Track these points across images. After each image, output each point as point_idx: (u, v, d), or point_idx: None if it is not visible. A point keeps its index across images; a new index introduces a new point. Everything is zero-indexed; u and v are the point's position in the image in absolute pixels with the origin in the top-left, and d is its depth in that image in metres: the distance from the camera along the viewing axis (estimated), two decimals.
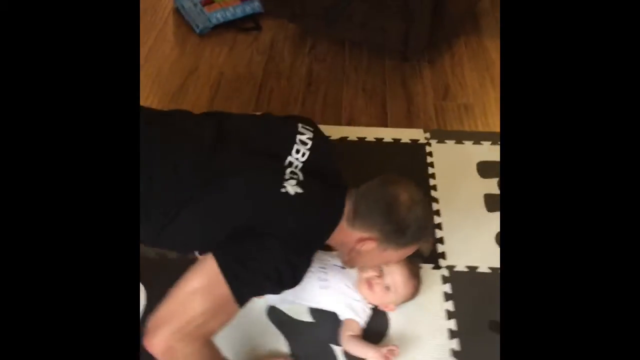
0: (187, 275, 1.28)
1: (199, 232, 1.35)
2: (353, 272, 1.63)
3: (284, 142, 1.46)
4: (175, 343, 1.23)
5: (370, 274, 1.59)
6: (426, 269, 1.78)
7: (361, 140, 2.26)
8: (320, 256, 1.67)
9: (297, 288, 1.59)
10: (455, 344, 1.59)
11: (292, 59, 2.72)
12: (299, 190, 1.36)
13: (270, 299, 1.66)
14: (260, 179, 1.37)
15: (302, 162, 1.44)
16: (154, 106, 2.47)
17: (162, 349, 1.24)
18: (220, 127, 1.45)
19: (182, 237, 1.36)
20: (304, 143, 1.48)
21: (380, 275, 1.58)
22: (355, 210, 1.42)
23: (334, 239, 1.47)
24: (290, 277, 1.33)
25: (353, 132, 2.29)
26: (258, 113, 1.80)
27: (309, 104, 2.46)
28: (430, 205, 1.56)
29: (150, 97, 2.51)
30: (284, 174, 1.38)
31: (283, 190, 1.35)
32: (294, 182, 1.37)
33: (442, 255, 1.82)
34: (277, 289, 1.35)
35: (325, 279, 1.61)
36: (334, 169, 1.54)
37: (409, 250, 1.48)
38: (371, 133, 2.28)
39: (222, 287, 1.25)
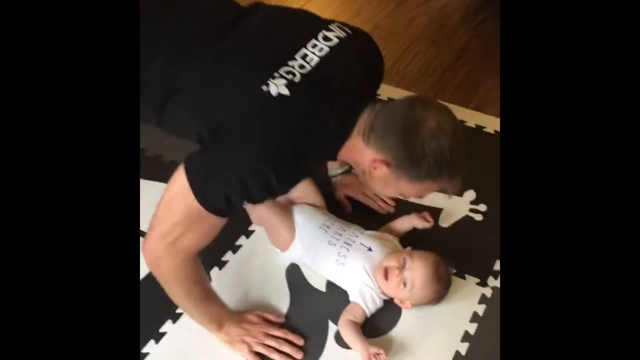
0: (169, 182, 1.23)
1: (187, 122, 1.28)
2: (376, 257, 1.52)
3: (302, 35, 1.27)
4: (161, 251, 1.22)
5: (392, 263, 1.47)
6: (470, 281, 1.61)
7: (479, 128, 2.06)
8: (349, 231, 1.58)
9: (316, 254, 1.55)
10: None
11: (454, 28, 2.55)
12: (285, 91, 1.17)
13: (291, 257, 1.61)
14: (244, 72, 1.21)
15: (317, 59, 1.23)
16: None
17: (151, 256, 1.25)
18: (241, 14, 1.32)
19: (176, 124, 1.30)
20: (327, 39, 1.26)
21: (401, 267, 1.46)
22: (372, 126, 1.23)
23: (347, 155, 1.31)
24: (259, 191, 1.18)
25: (475, 119, 2.09)
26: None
27: (447, 78, 2.30)
28: (463, 139, 1.24)
29: None
30: (277, 70, 1.19)
31: (265, 88, 1.17)
32: (283, 81, 1.18)
33: (495, 274, 1.62)
34: (248, 200, 1.21)
35: (344, 255, 1.53)
36: (361, 79, 1.31)
37: (427, 187, 1.27)
38: (495, 124, 2.07)
39: (190, 196, 1.17)
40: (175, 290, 1.31)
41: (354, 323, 1.46)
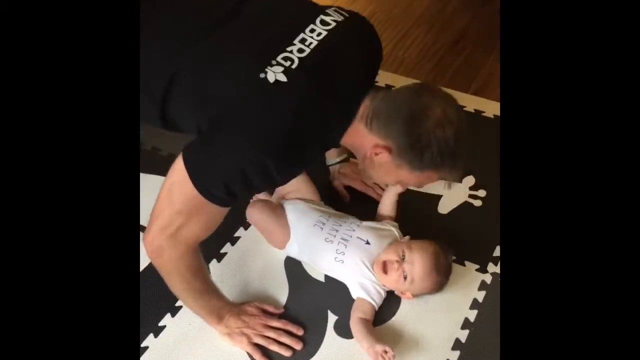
0: (169, 171, 1.23)
1: (189, 114, 1.27)
2: (374, 250, 1.51)
3: (299, 21, 1.25)
4: (162, 242, 1.22)
5: (390, 256, 1.46)
6: (469, 267, 1.60)
7: (478, 113, 2.04)
8: (345, 226, 1.56)
9: (313, 252, 1.54)
10: (454, 356, 1.42)
11: (454, 11, 2.52)
12: (283, 78, 1.16)
13: (289, 252, 1.61)
14: (242, 60, 1.20)
15: (315, 44, 1.21)
16: None
17: (152, 247, 1.25)
18: (241, 1, 1.30)
19: (179, 118, 1.29)
20: (324, 23, 1.24)
21: (400, 261, 1.45)
22: (376, 112, 1.22)
23: (349, 140, 1.29)
24: (259, 179, 1.17)
25: (474, 103, 2.08)
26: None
27: (446, 62, 2.27)
28: (468, 132, 1.24)
29: None
30: (274, 58, 1.18)
31: (262, 75, 1.16)
32: (280, 68, 1.16)
33: (495, 260, 1.61)
34: (248, 188, 1.21)
35: (342, 252, 1.50)
36: (361, 61, 1.29)
37: (427, 177, 1.26)
38: (494, 109, 2.05)
39: (190, 185, 1.17)
40: (175, 281, 1.31)
41: (364, 320, 1.43)
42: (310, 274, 1.59)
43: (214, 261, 1.62)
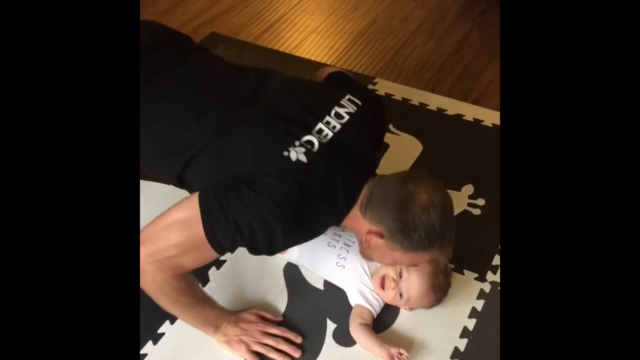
0: (175, 206, 1.28)
1: (209, 178, 1.33)
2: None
3: (317, 111, 1.37)
4: (146, 266, 1.25)
5: (389, 272, 1.46)
6: (468, 276, 1.60)
7: (477, 122, 2.05)
8: (348, 231, 1.57)
9: (315, 256, 1.54)
10: None
11: (453, 20, 2.53)
12: (303, 159, 1.27)
13: (289, 259, 1.61)
14: (267, 135, 1.31)
15: (330, 135, 1.33)
16: (295, 33, 2.48)
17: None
18: (258, 86, 1.39)
19: (193, 181, 1.36)
20: (339, 117, 1.37)
21: (397, 279, 1.45)
22: (369, 199, 1.31)
23: (348, 223, 1.37)
24: (264, 241, 1.25)
25: (473, 112, 2.09)
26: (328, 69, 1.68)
27: (445, 71, 2.28)
28: (452, 213, 1.34)
29: (304, 20, 2.53)
30: (298, 140, 1.29)
31: (285, 153, 1.27)
32: (302, 149, 1.28)
33: (493, 269, 1.61)
34: (250, 248, 1.27)
35: (344, 257, 1.52)
36: (367, 152, 1.42)
37: (419, 257, 1.32)
38: (493, 118, 2.06)
39: (199, 226, 1.23)
40: (161, 300, 1.33)
41: (365, 326, 1.44)
42: (309, 281, 1.60)
43: (213, 269, 1.62)
